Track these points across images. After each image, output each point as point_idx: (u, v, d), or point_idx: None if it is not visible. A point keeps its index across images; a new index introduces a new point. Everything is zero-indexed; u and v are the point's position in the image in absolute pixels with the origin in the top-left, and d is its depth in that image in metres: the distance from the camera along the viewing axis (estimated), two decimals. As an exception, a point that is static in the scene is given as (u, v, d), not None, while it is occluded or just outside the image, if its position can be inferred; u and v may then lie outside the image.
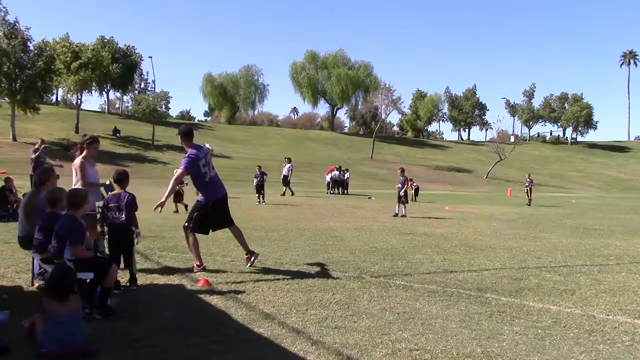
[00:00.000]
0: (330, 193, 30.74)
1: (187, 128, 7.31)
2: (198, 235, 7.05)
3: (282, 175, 26.40)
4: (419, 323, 4.79)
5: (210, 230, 7.25)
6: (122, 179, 6.05)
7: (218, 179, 7.16)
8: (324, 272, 7.00)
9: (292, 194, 25.54)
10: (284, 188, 25.92)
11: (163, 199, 6.73)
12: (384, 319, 4.91)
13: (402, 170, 17.71)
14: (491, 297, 5.90)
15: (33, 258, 5.57)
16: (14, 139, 47.43)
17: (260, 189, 20.45)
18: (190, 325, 4.53)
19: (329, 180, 31.91)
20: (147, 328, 4.42)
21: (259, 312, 4.98)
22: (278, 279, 6.47)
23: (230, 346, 4.05)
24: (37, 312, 4.07)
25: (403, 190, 17.03)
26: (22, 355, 3.69)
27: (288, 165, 26.13)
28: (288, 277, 6.61)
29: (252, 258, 7.24)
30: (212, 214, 6.99)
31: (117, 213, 5.80)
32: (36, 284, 5.66)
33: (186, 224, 7.01)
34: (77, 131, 54.89)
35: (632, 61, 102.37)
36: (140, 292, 5.69)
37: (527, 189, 26.97)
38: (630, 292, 6.42)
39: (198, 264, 6.85)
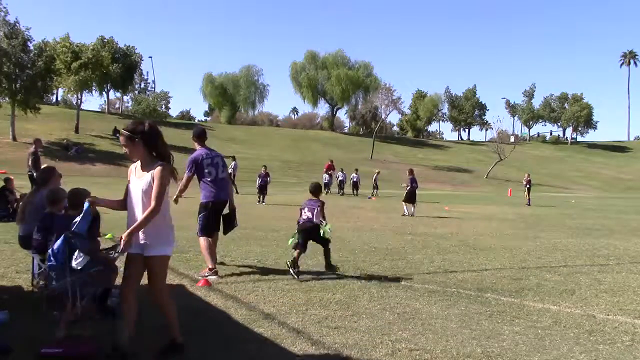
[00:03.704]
0: (327, 193, 30.37)
1: (197, 129, 7.39)
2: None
3: (233, 174, 26.69)
4: (419, 323, 4.79)
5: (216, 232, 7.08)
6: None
7: (223, 185, 7.00)
8: (324, 272, 7.00)
9: (237, 192, 25.66)
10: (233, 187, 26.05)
11: (174, 196, 6.76)
12: (384, 319, 4.91)
13: (411, 171, 18.06)
14: (491, 297, 5.91)
15: (33, 258, 5.57)
16: (14, 139, 47.42)
17: (263, 189, 20.64)
18: (190, 325, 4.53)
19: (327, 180, 31.19)
20: (147, 328, 4.42)
21: (259, 312, 4.99)
22: (278, 279, 6.47)
23: (230, 346, 4.05)
24: (36, 312, 4.06)
25: (409, 190, 17.23)
26: (22, 355, 3.69)
27: (233, 163, 26.64)
28: (288, 277, 6.61)
29: (209, 272, 6.56)
30: (213, 215, 6.91)
31: None
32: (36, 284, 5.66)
33: (197, 232, 6.92)
34: (77, 131, 54.91)
35: (632, 61, 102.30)
36: (140, 292, 5.68)
37: (526, 189, 26.99)
38: (630, 292, 6.42)
39: (210, 267, 6.57)
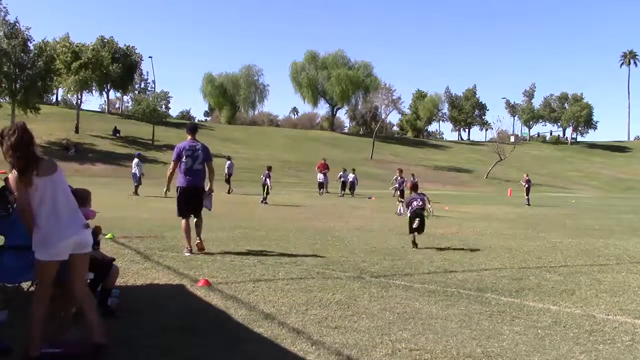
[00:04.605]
0: (321, 193, 29.71)
1: (190, 124, 9.09)
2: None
3: (227, 173, 27.17)
4: (419, 323, 4.79)
5: (191, 215, 8.34)
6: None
7: (195, 174, 8.20)
8: (324, 272, 7.00)
9: (231, 191, 26.10)
10: (228, 186, 26.61)
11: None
12: (384, 319, 4.91)
13: (401, 171, 18.33)
14: (491, 297, 5.90)
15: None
16: (14, 139, 47.37)
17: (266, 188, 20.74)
18: (190, 325, 4.53)
19: (321, 180, 30.19)
20: (147, 328, 4.42)
21: (259, 312, 4.98)
22: (278, 279, 6.47)
23: (230, 346, 4.05)
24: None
25: (399, 190, 17.48)
26: (22, 355, 3.68)
27: (228, 162, 27.15)
28: (288, 277, 6.61)
29: (186, 250, 8.00)
30: (182, 198, 8.25)
31: None
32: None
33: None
34: (77, 131, 54.92)
35: (632, 61, 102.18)
36: (140, 292, 5.70)
37: (524, 189, 26.99)
38: (630, 292, 6.42)
39: (188, 247, 8.03)
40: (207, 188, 8.39)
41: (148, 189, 22.84)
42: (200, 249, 8.09)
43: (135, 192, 21.86)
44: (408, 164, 53.98)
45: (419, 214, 9.62)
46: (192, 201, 8.22)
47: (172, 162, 8.32)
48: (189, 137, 8.40)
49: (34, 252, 3.55)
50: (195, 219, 8.29)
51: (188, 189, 8.17)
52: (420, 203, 9.79)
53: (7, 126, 3.57)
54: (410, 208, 9.79)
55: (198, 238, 8.12)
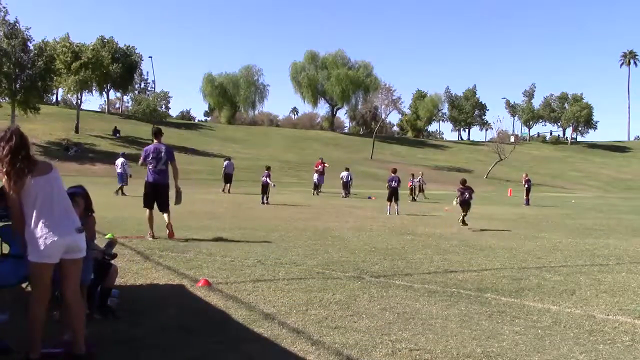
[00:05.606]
0: (315, 193, 29.03)
1: (153, 129, 10.71)
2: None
3: (224, 173, 27.56)
4: (419, 323, 4.79)
5: (155, 206, 9.47)
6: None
7: (158, 173, 9.37)
8: (324, 272, 7.00)
9: (229, 191, 26.36)
10: (227, 185, 26.95)
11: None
12: (384, 319, 4.91)
13: (394, 170, 18.35)
14: (491, 297, 5.91)
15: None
16: (14, 139, 47.32)
17: (265, 189, 20.67)
18: (190, 325, 4.53)
19: (316, 180, 29.54)
20: (147, 328, 4.42)
21: (259, 312, 4.99)
22: (278, 279, 6.47)
23: (230, 346, 4.05)
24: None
25: (391, 187, 17.50)
26: (22, 355, 3.69)
27: (226, 162, 27.79)
28: (288, 277, 6.61)
29: (149, 236, 9.32)
30: (147, 192, 9.54)
31: None
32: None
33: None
34: (77, 131, 54.91)
35: (632, 61, 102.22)
36: (140, 292, 5.70)
37: (524, 189, 26.98)
38: (630, 292, 6.43)
39: (150, 233, 9.35)
40: (173, 186, 9.49)
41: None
42: (170, 235, 9.31)
43: (121, 192, 21.38)
44: (408, 164, 53.99)
45: (468, 203, 13.55)
46: (157, 196, 9.44)
47: (140, 164, 9.75)
48: (155, 140, 9.65)
49: (27, 254, 3.48)
50: (163, 214, 9.40)
51: (153, 184, 9.42)
52: (467, 195, 13.52)
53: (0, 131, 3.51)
54: (461, 197, 13.51)
55: (168, 228, 9.32)
